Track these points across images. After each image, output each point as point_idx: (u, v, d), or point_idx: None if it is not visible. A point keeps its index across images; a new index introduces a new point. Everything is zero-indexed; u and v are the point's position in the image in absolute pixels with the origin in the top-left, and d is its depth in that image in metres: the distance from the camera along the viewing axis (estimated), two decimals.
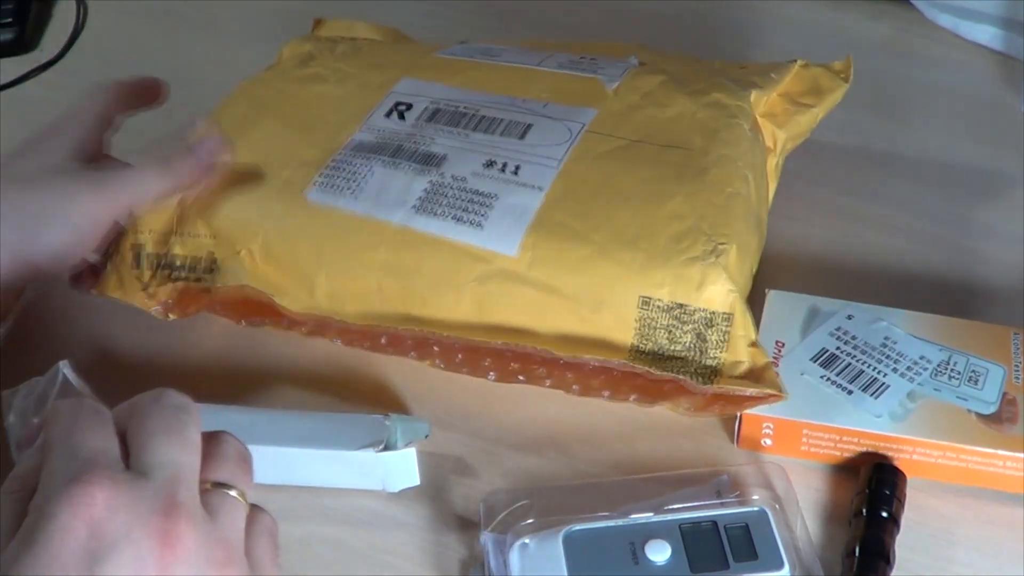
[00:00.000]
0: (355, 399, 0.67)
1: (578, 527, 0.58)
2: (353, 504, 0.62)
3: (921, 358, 0.64)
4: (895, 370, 0.63)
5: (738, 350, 0.62)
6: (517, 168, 0.67)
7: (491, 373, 0.65)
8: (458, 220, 0.65)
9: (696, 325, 0.62)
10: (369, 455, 0.60)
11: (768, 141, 0.73)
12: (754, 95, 0.72)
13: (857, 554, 0.57)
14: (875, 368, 0.63)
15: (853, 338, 0.65)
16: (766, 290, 0.68)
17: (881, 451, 0.61)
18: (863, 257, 0.75)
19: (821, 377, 0.63)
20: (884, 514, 0.59)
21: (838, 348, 0.64)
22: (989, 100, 0.88)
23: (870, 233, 0.77)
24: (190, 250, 0.68)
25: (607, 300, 0.63)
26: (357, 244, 0.66)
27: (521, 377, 0.65)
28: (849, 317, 0.66)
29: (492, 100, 0.72)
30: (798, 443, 0.62)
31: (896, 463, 0.61)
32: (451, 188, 0.66)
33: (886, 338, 0.65)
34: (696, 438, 0.65)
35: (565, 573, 0.56)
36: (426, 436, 0.62)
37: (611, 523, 0.58)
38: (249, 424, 0.62)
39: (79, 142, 0.67)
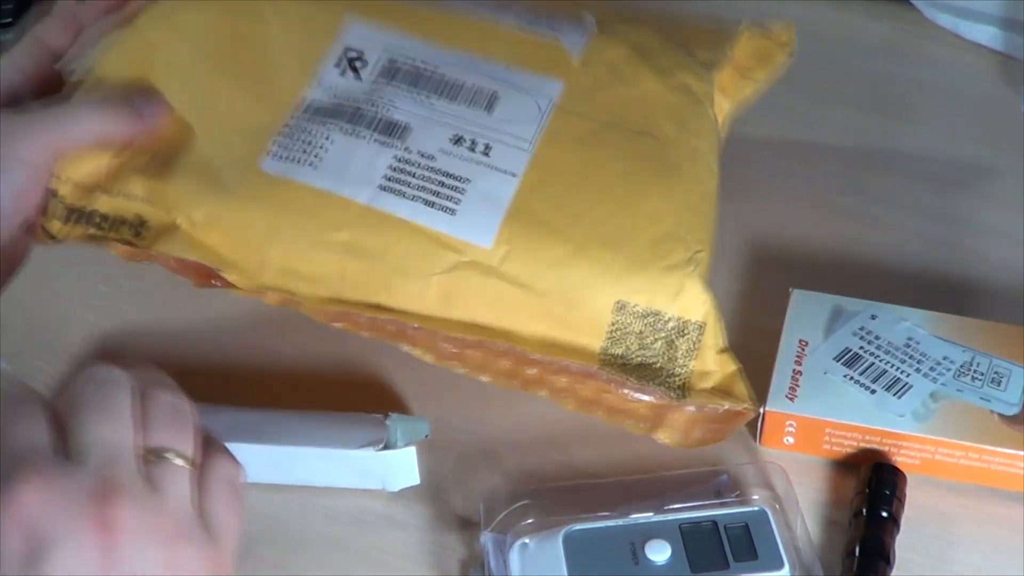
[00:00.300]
0: (355, 399, 0.67)
1: (578, 527, 0.58)
2: (353, 504, 0.62)
3: (944, 358, 0.64)
4: (918, 370, 0.63)
5: (706, 360, 0.62)
6: (487, 148, 0.64)
7: (463, 370, 0.63)
8: (429, 204, 0.62)
9: (668, 333, 0.61)
10: (369, 454, 0.60)
11: (717, 110, 0.71)
12: (716, 77, 0.71)
13: (857, 554, 0.58)
14: (898, 368, 0.63)
15: (876, 338, 0.65)
16: (790, 289, 0.68)
17: (903, 451, 0.61)
18: (863, 257, 0.75)
19: (844, 376, 0.63)
20: (884, 514, 0.59)
21: (861, 348, 0.64)
22: (989, 100, 0.88)
23: (869, 233, 0.77)
24: (116, 209, 0.62)
25: (582, 301, 0.61)
26: (319, 221, 0.61)
27: (516, 381, 0.63)
28: (873, 317, 0.66)
29: (451, 57, 0.68)
30: (820, 442, 0.62)
31: (913, 464, 0.61)
32: (419, 167, 0.63)
33: (909, 338, 0.65)
34: None
35: (565, 573, 0.56)
36: (426, 436, 0.62)
37: (611, 523, 0.58)
38: (249, 424, 0.62)
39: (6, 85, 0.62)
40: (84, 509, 0.41)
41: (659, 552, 0.57)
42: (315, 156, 0.63)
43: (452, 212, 0.62)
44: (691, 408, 0.61)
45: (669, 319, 0.61)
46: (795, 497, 0.61)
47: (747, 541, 0.57)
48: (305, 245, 0.61)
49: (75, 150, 0.60)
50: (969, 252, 0.75)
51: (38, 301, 0.72)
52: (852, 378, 0.63)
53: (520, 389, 0.63)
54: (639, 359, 0.61)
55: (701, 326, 0.61)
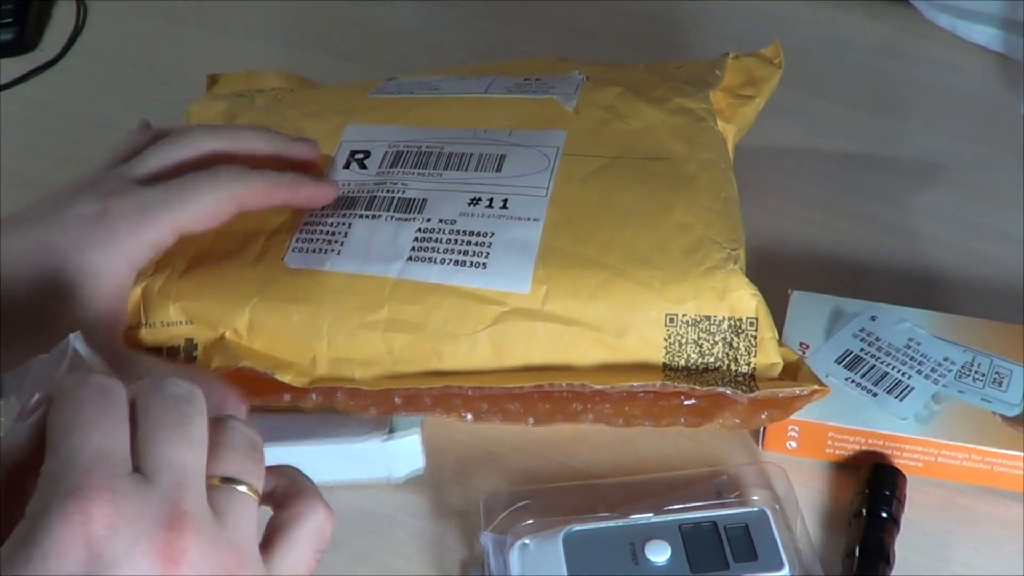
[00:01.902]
0: None
1: (578, 527, 0.58)
2: (353, 504, 0.62)
3: (945, 359, 0.64)
4: (919, 372, 0.63)
5: (768, 352, 0.61)
6: (505, 202, 0.64)
7: (529, 418, 0.62)
8: (460, 264, 0.62)
9: (724, 335, 0.61)
10: (374, 443, 0.60)
11: (723, 133, 0.72)
12: (711, 95, 0.72)
13: (857, 554, 0.58)
14: (899, 370, 0.63)
15: (877, 339, 0.65)
16: (789, 291, 0.68)
17: (906, 454, 0.61)
18: (862, 257, 0.75)
19: (846, 379, 0.63)
20: (884, 514, 0.59)
21: (862, 350, 0.64)
22: (988, 100, 0.88)
23: (869, 233, 0.77)
24: (164, 339, 0.62)
25: (631, 323, 0.60)
26: (355, 304, 0.61)
27: (560, 416, 0.62)
28: (873, 318, 0.66)
29: (452, 135, 0.69)
30: (823, 446, 0.62)
31: (916, 466, 0.61)
32: (442, 232, 0.63)
33: (910, 339, 0.65)
34: (696, 438, 0.65)
35: (565, 573, 0.56)
36: (422, 422, 0.62)
37: (611, 523, 0.58)
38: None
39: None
40: (150, 535, 0.40)
41: (659, 553, 0.57)
42: (338, 243, 0.63)
43: (483, 266, 0.62)
44: (760, 396, 0.60)
45: (722, 320, 0.61)
46: (795, 498, 0.61)
47: (747, 542, 0.57)
48: (349, 330, 0.61)
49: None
50: (969, 252, 0.75)
51: None
52: (854, 381, 0.63)
53: (565, 422, 0.62)
54: (703, 366, 0.61)
55: (754, 320, 0.61)
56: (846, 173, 0.81)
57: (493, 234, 0.63)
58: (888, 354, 0.64)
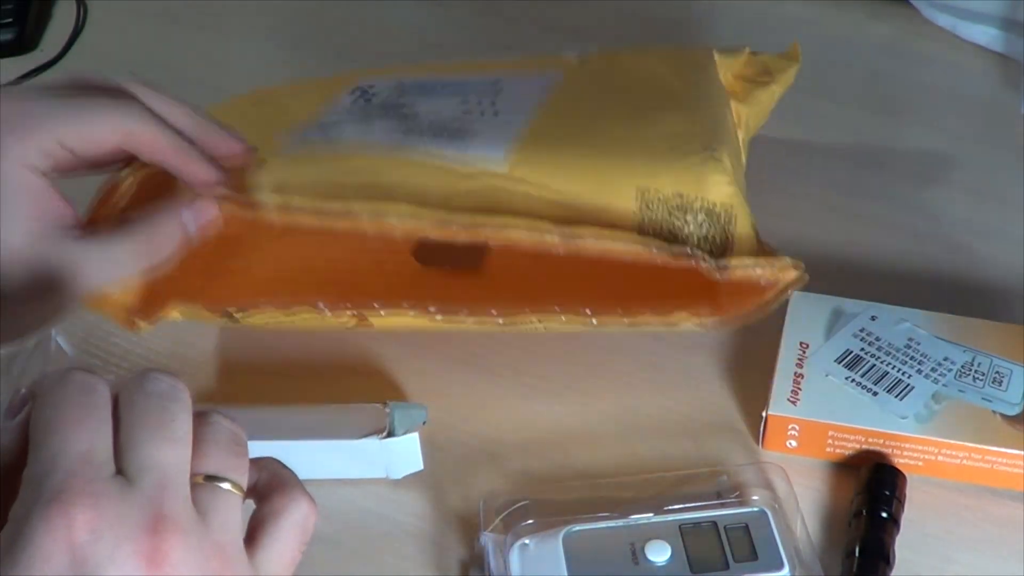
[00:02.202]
0: (353, 391, 0.66)
1: (578, 527, 0.58)
2: (353, 504, 0.62)
3: (945, 359, 0.64)
4: (920, 371, 0.63)
5: (743, 243, 0.60)
6: (496, 111, 0.66)
7: (492, 309, 0.62)
8: (439, 138, 0.63)
9: (697, 214, 0.60)
10: (373, 443, 0.60)
11: (735, 117, 0.72)
12: (717, 53, 0.73)
13: (857, 554, 0.58)
14: (900, 370, 0.63)
15: (877, 339, 0.65)
16: (789, 291, 0.68)
17: (906, 453, 0.61)
18: (862, 257, 0.75)
19: (846, 379, 0.63)
20: (884, 514, 0.59)
21: (862, 349, 0.64)
22: (989, 100, 0.88)
23: (869, 233, 0.77)
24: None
25: (603, 194, 0.60)
26: (337, 169, 0.62)
27: (535, 319, 0.62)
28: (873, 318, 0.66)
29: (456, 76, 0.71)
30: (823, 445, 0.62)
31: (916, 465, 0.61)
32: (430, 126, 0.64)
33: (910, 339, 0.65)
34: (696, 438, 0.65)
35: (565, 573, 0.56)
36: (424, 422, 0.62)
37: (611, 523, 0.58)
38: (248, 422, 0.61)
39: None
40: (133, 538, 0.40)
41: (659, 553, 0.57)
42: (329, 138, 0.65)
43: (464, 141, 0.63)
44: (726, 275, 0.59)
45: (695, 199, 0.60)
46: (795, 498, 0.61)
47: (747, 542, 0.57)
48: (328, 184, 0.61)
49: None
50: (969, 252, 0.75)
51: None
52: (854, 380, 0.63)
53: (532, 313, 0.62)
54: (674, 238, 0.60)
55: (729, 209, 0.60)
56: (847, 173, 0.81)
57: (478, 129, 0.64)
58: (888, 354, 0.64)
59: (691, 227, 0.60)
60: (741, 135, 0.72)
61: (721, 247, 0.60)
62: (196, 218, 0.60)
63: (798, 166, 0.81)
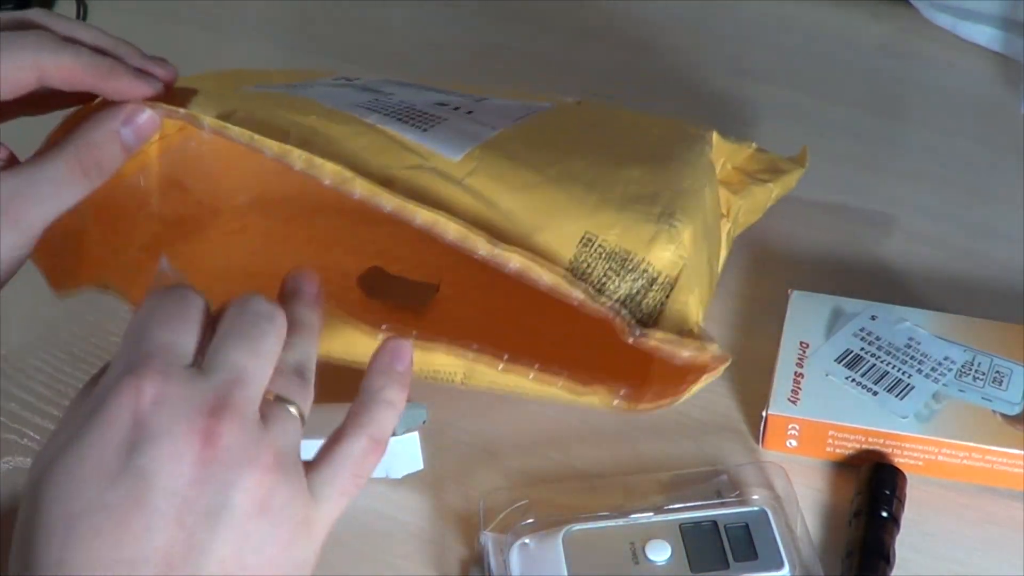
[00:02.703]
0: (353, 390, 0.66)
1: (578, 527, 0.58)
2: (353, 504, 0.62)
3: (945, 359, 0.64)
4: (920, 371, 0.63)
5: (674, 320, 0.57)
6: (471, 112, 0.64)
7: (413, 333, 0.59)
8: (402, 121, 0.60)
9: (637, 277, 0.57)
10: None
11: (723, 207, 0.69)
12: (715, 135, 0.69)
13: (857, 554, 0.57)
14: (900, 369, 0.63)
15: (877, 339, 0.65)
16: (789, 291, 0.68)
17: (906, 452, 0.61)
18: (862, 257, 0.75)
19: (846, 378, 0.63)
20: (884, 514, 0.59)
21: (863, 349, 0.64)
22: (988, 100, 0.88)
23: (869, 233, 0.77)
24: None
25: (546, 226, 0.57)
26: (288, 106, 0.60)
27: (446, 352, 0.59)
28: (873, 318, 0.66)
29: (448, 92, 0.69)
30: (824, 444, 0.62)
31: (916, 465, 0.61)
32: (398, 105, 0.62)
33: (910, 339, 0.65)
34: (696, 438, 0.65)
35: (565, 573, 0.56)
36: (424, 422, 0.62)
37: (611, 523, 0.58)
38: None
39: None
40: (192, 417, 0.42)
41: (659, 552, 0.57)
42: (294, 93, 0.63)
43: (424, 130, 0.60)
44: (644, 342, 0.55)
45: (640, 261, 0.57)
46: (795, 497, 0.61)
47: (747, 541, 0.57)
48: (272, 115, 0.59)
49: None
50: (969, 252, 0.75)
51: (38, 301, 0.72)
52: (854, 380, 0.63)
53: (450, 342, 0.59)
54: (601, 289, 0.57)
55: (672, 282, 0.57)
56: (846, 173, 0.81)
57: (447, 120, 0.62)
58: (888, 353, 0.64)
59: (625, 286, 0.57)
60: (727, 227, 0.69)
61: (649, 316, 0.57)
62: (130, 122, 0.57)
63: None
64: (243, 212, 0.72)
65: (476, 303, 0.67)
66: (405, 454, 0.61)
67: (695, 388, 0.57)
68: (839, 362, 0.64)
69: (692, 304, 0.58)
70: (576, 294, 0.56)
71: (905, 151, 0.84)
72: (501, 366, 0.59)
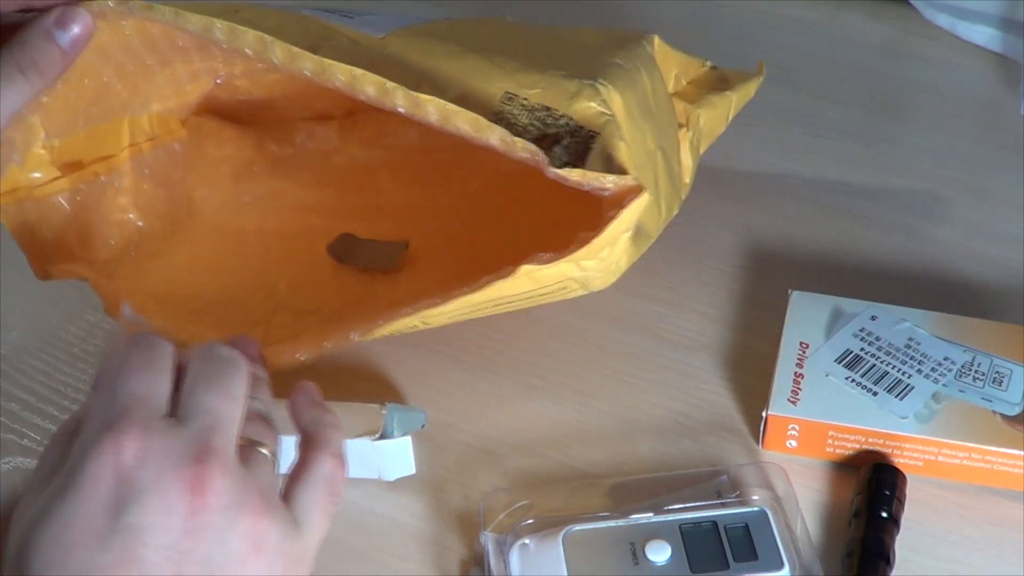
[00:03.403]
0: (353, 390, 0.67)
1: (578, 527, 0.58)
2: (353, 504, 0.62)
3: (945, 359, 0.64)
4: (920, 371, 0.63)
5: (596, 163, 0.56)
6: (403, 16, 0.66)
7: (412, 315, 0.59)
8: (331, 12, 0.63)
9: (559, 130, 0.57)
10: (365, 444, 0.60)
11: (681, 117, 0.69)
12: (656, 38, 0.69)
13: (857, 554, 0.57)
14: (900, 370, 0.63)
15: (877, 339, 0.65)
16: (789, 291, 0.68)
17: (906, 453, 0.61)
18: (862, 257, 0.75)
19: (846, 379, 0.63)
20: (884, 514, 0.59)
21: (862, 349, 0.64)
22: (988, 100, 0.88)
23: (869, 233, 0.77)
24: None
25: (467, 88, 0.58)
26: (221, 9, 0.60)
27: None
28: (873, 318, 0.66)
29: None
30: (823, 445, 0.62)
31: (916, 465, 0.61)
32: (333, 8, 0.65)
33: (910, 339, 0.65)
34: (697, 438, 0.65)
35: (565, 573, 0.56)
36: (422, 426, 0.62)
37: (611, 523, 0.58)
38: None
39: None
40: (178, 467, 0.42)
41: (659, 552, 0.57)
42: None
43: (351, 18, 0.63)
44: (564, 175, 0.54)
45: (560, 116, 0.57)
46: (795, 497, 0.61)
47: (747, 541, 0.57)
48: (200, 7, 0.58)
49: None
50: (969, 252, 0.75)
51: (38, 301, 0.72)
52: (854, 380, 0.63)
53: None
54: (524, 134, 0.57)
55: (594, 135, 0.57)
56: (846, 173, 0.81)
57: (377, 15, 0.64)
58: (888, 354, 0.64)
59: (548, 138, 0.57)
60: (689, 136, 0.69)
61: (571, 155, 0.56)
62: (63, 22, 0.57)
63: (798, 166, 0.81)
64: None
65: (444, 261, 0.68)
66: (397, 457, 0.61)
67: (620, 223, 0.55)
68: (839, 362, 0.64)
69: (622, 151, 0.56)
70: (493, 138, 0.54)
71: (905, 151, 0.84)
72: (441, 305, 0.58)
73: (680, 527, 0.58)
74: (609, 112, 0.58)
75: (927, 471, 0.61)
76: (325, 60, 0.56)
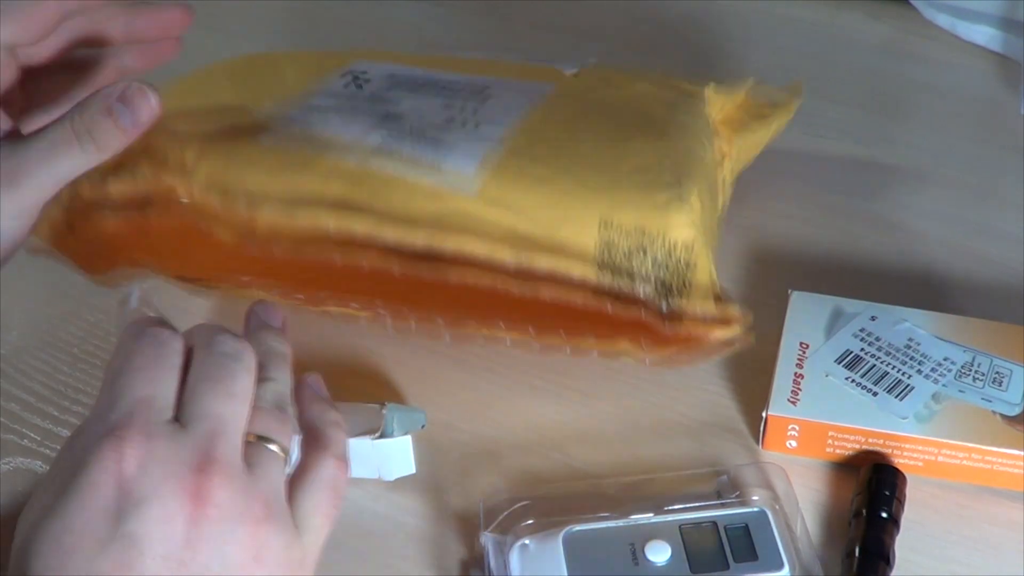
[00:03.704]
0: (353, 390, 0.67)
1: (578, 527, 0.58)
2: (353, 505, 0.62)
3: (945, 359, 0.64)
4: (919, 371, 0.63)
5: (699, 287, 0.61)
6: (477, 124, 0.66)
7: (446, 333, 0.63)
8: (415, 141, 0.64)
9: (656, 252, 0.60)
10: (365, 443, 0.60)
11: (724, 146, 0.72)
12: (711, 87, 0.72)
13: (857, 554, 0.57)
14: (899, 370, 0.63)
15: (877, 339, 0.65)
16: (789, 291, 0.68)
17: (906, 453, 0.61)
18: (862, 257, 0.75)
19: (846, 379, 0.63)
20: (884, 514, 0.59)
21: (862, 350, 0.64)
22: (988, 100, 0.88)
23: (869, 233, 0.77)
24: (128, 191, 0.63)
25: (566, 219, 0.61)
26: (307, 177, 0.63)
27: (483, 333, 0.62)
28: (873, 318, 0.66)
29: (451, 76, 0.72)
30: (823, 445, 0.62)
31: (916, 466, 0.61)
32: (409, 134, 0.65)
33: (910, 339, 0.65)
34: (697, 438, 0.65)
35: (565, 573, 0.56)
36: (422, 426, 0.62)
37: (611, 523, 0.58)
38: None
39: None
40: (180, 476, 0.42)
41: (659, 553, 0.57)
42: (311, 131, 0.65)
43: (436, 147, 0.63)
44: (675, 322, 0.60)
45: (657, 236, 0.60)
46: (795, 498, 0.61)
47: (747, 542, 0.57)
48: (295, 200, 0.62)
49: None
50: (969, 252, 0.75)
51: (38, 301, 0.72)
52: (854, 380, 0.63)
53: (479, 327, 0.63)
54: (629, 272, 0.60)
55: (689, 247, 0.60)
56: (846, 173, 0.81)
57: (454, 143, 0.64)
58: (888, 354, 0.64)
59: (647, 267, 0.60)
60: (725, 172, 0.72)
61: (675, 291, 0.60)
62: (126, 98, 0.55)
63: (798, 166, 0.81)
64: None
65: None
66: (397, 457, 0.61)
67: (718, 351, 0.61)
68: (839, 363, 0.64)
69: (709, 265, 0.61)
70: (604, 281, 0.60)
71: (905, 151, 0.84)
72: (536, 343, 0.62)
73: (680, 527, 0.58)
74: (696, 219, 0.61)
75: (927, 471, 0.62)
76: (436, 235, 0.61)
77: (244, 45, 0.93)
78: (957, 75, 0.90)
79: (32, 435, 0.65)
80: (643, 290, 0.60)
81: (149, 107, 0.55)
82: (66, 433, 0.65)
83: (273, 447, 0.45)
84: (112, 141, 0.55)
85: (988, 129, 0.85)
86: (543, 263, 0.60)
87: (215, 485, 0.42)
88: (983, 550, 0.60)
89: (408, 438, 0.61)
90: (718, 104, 0.73)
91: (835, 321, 0.66)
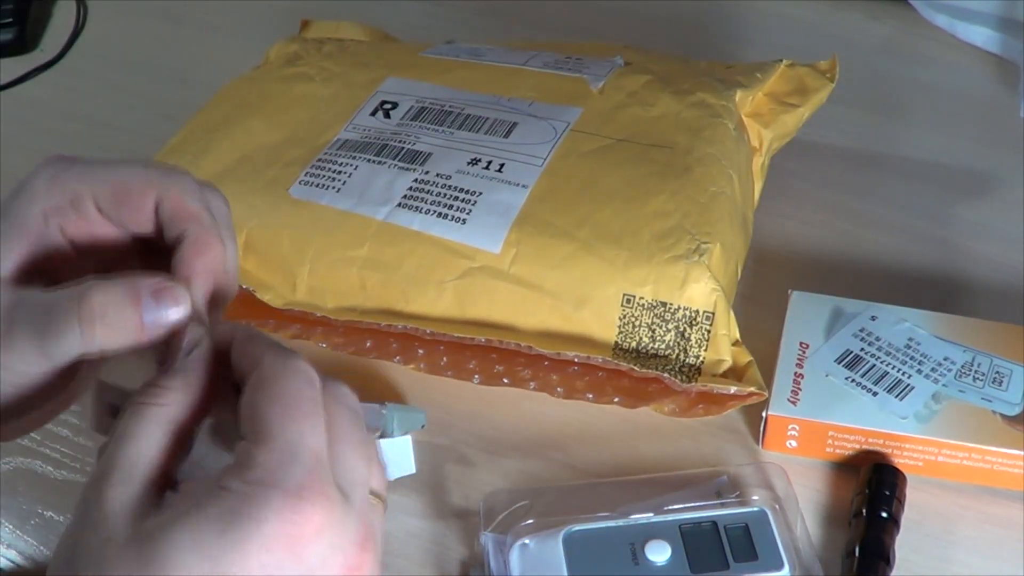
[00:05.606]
0: (353, 390, 0.66)
1: (578, 527, 0.58)
2: None
3: (945, 359, 0.64)
4: (919, 371, 0.63)
5: (720, 349, 0.63)
6: (502, 166, 0.68)
7: (476, 376, 0.65)
8: (442, 216, 0.66)
9: (678, 323, 0.63)
10: None
11: (754, 141, 0.74)
12: (739, 94, 0.73)
13: (857, 554, 0.57)
14: (899, 370, 0.63)
15: (877, 339, 0.65)
16: (789, 291, 0.68)
17: (906, 453, 0.61)
18: (862, 257, 0.75)
19: (846, 379, 0.63)
20: (884, 514, 0.59)
21: (862, 349, 0.64)
22: (987, 100, 0.88)
23: (868, 233, 0.77)
24: None
25: (590, 296, 0.64)
26: (340, 239, 0.66)
27: (506, 380, 0.65)
28: (873, 318, 0.66)
29: (478, 99, 0.73)
30: (823, 445, 0.62)
31: (916, 465, 0.61)
32: (435, 185, 0.67)
33: (910, 339, 0.65)
34: (696, 438, 0.65)
35: (565, 573, 0.56)
36: (422, 426, 0.63)
37: (611, 523, 0.58)
38: None
39: (19, 257, 0.47)
40: (347, 550, 0.41)
41: (659, 552, 0.57)
42: (340, 182, 0.68)
43: (463, 222, 0.65)
44: (697, 388, 0.63)
45: (678, 308, 0.63)
46: (795, 497, 0.61)
47: (747, 541, 0.57)
48: (329, 262, 0.66)
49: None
50: (969, 252, 0.75)
51: None
52: (854, 380, 0.63)
53: (511, 385, 0.65)
54: (652, 351, 0.63)
55: (710, 315, 0.63)
56: (846, 173, 0.81)
57: (481, 194, 0.67)
58: (888, 354, 0.64)
59: (669, 338, 0.63)
60: (760, 161, 0.74)
61: (694, 350, 0.63)
62: (161, 297, 0.45)
63: (798, 166, 0.81)
64: None
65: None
66: (398, 457, 0.61)
67: (735, 405, 0.64)
68: (839, 362, 0.64)
69: (728, 316, 0.64)
70: (623, 367, 0.63)
71: (905, 151, 0.84)
72: (561, 391, 0.65)
73: (680, 527, 0.58)
74: (716, 285, 0.63)
75: (927, 471, 0.62)
76: (471, 329, 0.65)
77: (244, 45, 0.93)
78: (957, 75, 0.90)
79: (32, 435, 0.65)
80: (663, 358, 0.63)
81: (180, 315, 0.45)
82: (66, 433, 0.65)
83: (376, 500, 0.44)
84: (124, 334, 0.45)
85: (988, 129, 0.85)
86: (567, 347, 0.63)
87: (369, 565, 0.42)
88: (983, 550, 0.60)
89: (408, 438, 0.61)
90: (747, 102, 0.74)
91: (835, 321, 0.66)
